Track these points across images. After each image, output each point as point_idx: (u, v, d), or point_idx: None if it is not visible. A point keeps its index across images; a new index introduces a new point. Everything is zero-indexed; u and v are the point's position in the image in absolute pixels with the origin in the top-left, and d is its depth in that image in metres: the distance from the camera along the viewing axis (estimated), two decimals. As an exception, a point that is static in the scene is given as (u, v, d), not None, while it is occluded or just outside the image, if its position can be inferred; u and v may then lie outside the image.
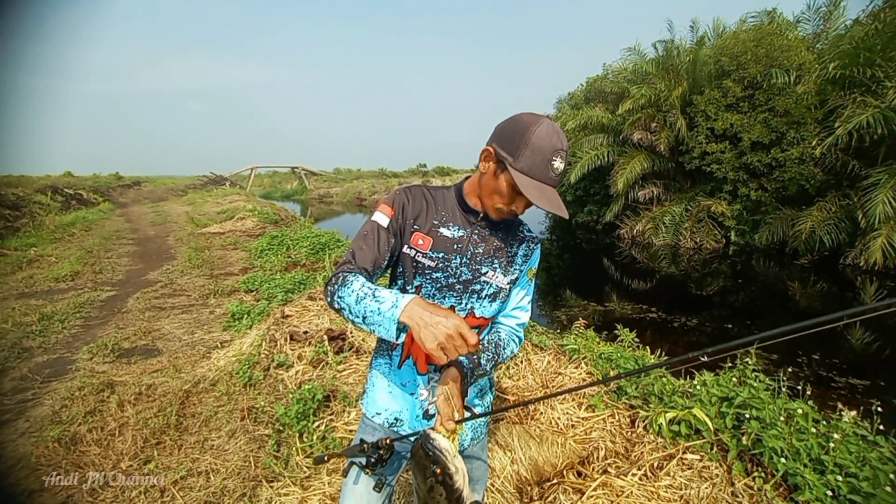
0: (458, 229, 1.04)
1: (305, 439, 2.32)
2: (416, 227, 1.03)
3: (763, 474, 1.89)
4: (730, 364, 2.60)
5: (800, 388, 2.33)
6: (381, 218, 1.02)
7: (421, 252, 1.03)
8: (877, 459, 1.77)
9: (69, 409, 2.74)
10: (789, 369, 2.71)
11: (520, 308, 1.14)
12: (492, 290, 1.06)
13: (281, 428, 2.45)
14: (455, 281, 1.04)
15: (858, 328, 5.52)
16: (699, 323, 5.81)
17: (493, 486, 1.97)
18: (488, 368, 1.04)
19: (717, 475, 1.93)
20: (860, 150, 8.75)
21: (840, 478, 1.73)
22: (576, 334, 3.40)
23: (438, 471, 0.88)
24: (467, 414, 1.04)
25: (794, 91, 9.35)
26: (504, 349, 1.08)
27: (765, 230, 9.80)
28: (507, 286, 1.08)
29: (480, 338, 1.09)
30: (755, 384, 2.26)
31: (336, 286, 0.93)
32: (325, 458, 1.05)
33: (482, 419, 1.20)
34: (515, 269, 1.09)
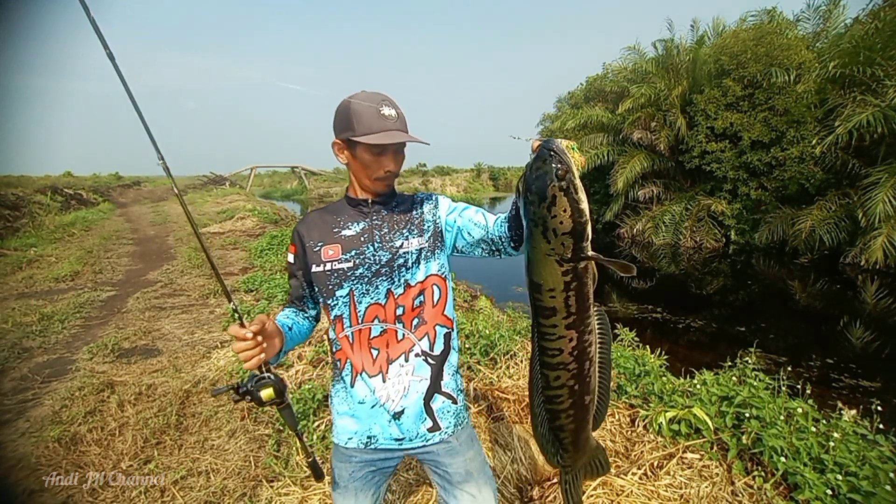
0: (357, 223, 1.11)
1: (305, 439, 2.32)
2: (320, 244, 1.11)
3: (763, 473, 1.89)
4: (730, 363, 2.60)
5: (799, 387, 2.33)
6: (290, 257, 1.15)
7: (335, 260, 1.09)
8: (876, 458, 1.77)
9: (69, 409, 2.74)
10: (789, 368, 2.71)
11: (476, 214, 1.14)
12: (415, 256, 1.11)
13: (281, 428, 2.45)
14: (379, 266, 1.09)
15: (858, 327, 5.52)
16: (699, 322, 5.81)
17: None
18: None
19: (717, 474, 1.94)
20: (860, 148, 8.74)
21: (840, 476, 1.73)
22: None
23: (562, 172, 0.74)
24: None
25: (793, 90, 9.34)
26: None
27: (765, 229, 9.79)
28: (427, 243, 1.12)
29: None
30: (755, 383, 2.26)
31: None
32: (221, 390, 1.02)
33: (460, 405, 1.17)
34: (429, 224, 1.14)
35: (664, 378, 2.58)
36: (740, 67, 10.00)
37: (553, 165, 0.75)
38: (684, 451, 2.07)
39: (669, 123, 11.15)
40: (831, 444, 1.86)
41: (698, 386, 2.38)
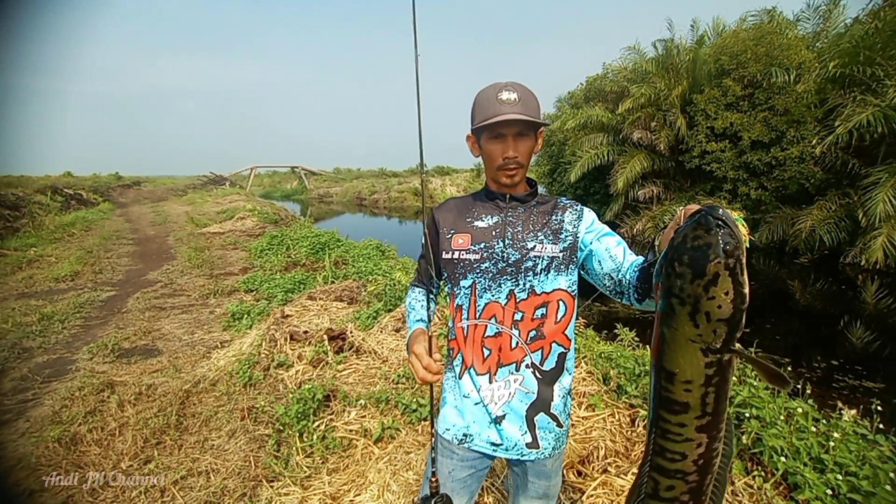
0: (491, 217, 1.10)
1: (305, 439, 2.33)
2: (452, 231, 1.11)
3: (763, 473, 1.89)
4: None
5: (799, 387, 2.33)
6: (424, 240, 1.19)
7: (463, 250, 1.09)
8: (876, 458, 1.77)
9: (69, 409, 2.74)
10: (789, 368, 2.71)
11: (616, 246, 1.04)
12: (545, 263, 1.05)
13: (281, 428, 2.45)
14: (505, 265, 1.05)
15: (859, 327, 5.52)
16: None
17: (493, 485, 1.97)
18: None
19: (717, 474, 1.93)
20: (860, 148, 8.74)
21: (840, 476, 1.73)
22: (575, 333, 3.39)
23: (732, 248, 0.60)
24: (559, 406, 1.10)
25: (793, 90, 9.33)
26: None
27: (765, 229, 9.78)
28: (560, 254, 1.05)
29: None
30: (755, 383, 2.26)
31: (408, 290, 1.30)
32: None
33: (564, 429, 1.12)
34: (567, 235, 1.06)
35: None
36: (740, 67, 9.99)
37: (720, 238, 0.61)
38: (684, 451, 2.07)
39: (669, 123, 11.14)
40: (831, 444, 1.86)
41: (698, 386, 2.37)
